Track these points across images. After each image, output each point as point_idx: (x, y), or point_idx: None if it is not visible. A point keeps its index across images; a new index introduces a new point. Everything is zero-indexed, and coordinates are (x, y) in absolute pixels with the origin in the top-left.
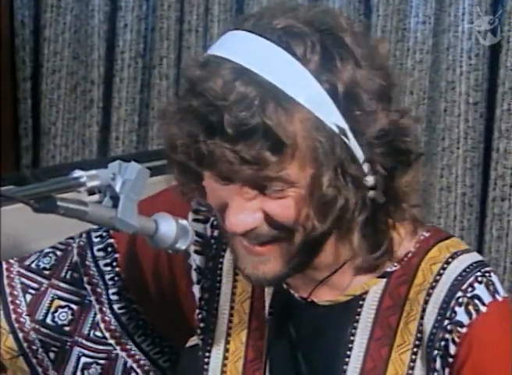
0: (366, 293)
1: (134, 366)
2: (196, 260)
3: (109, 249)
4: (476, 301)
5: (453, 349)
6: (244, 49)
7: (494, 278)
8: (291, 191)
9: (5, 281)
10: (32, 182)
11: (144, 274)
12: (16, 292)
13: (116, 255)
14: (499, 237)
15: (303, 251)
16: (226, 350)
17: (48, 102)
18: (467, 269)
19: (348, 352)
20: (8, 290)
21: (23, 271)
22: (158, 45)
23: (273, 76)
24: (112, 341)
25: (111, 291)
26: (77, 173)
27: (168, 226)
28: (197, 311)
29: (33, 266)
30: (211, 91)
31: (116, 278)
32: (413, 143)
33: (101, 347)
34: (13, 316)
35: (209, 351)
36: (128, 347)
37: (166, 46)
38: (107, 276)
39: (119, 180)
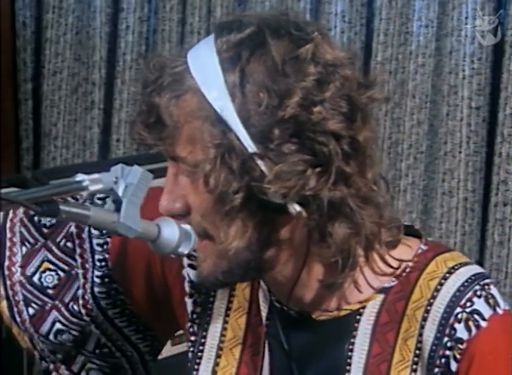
0: (363, 308)
1: (109, 344)
2: (190, 274)
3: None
4: (476, 317)
5: (454, 366)
6: (201, 40)
7: (494, 290)
8: (191, 176)
9: (8, 224)
10: (32, 184)
11: (134, 277)
12: (15, 239)
13: (108, 240)
14: (500, 243)
15: (236, 255)
16: (216, 364)
17: (49, 104)
18: (465, 284)
19: (348, 367)
20: (9, 234)
21: (25, 221)
22: (160, 47)
23: (192, 62)
24: (87, 318)
25: (96, 272)
26: (80, 176)
27: (170, 231)
28: (189, 324)
29: (35, 218)
30: (149, 68)
31: (103, 263)
32: (330, 140)
33: (75, 320)
34: (6, 263)
35: (198, 365)
36: (104, 326)
37: (168, 48)
38: (96, 256)
39: (121, 184)
